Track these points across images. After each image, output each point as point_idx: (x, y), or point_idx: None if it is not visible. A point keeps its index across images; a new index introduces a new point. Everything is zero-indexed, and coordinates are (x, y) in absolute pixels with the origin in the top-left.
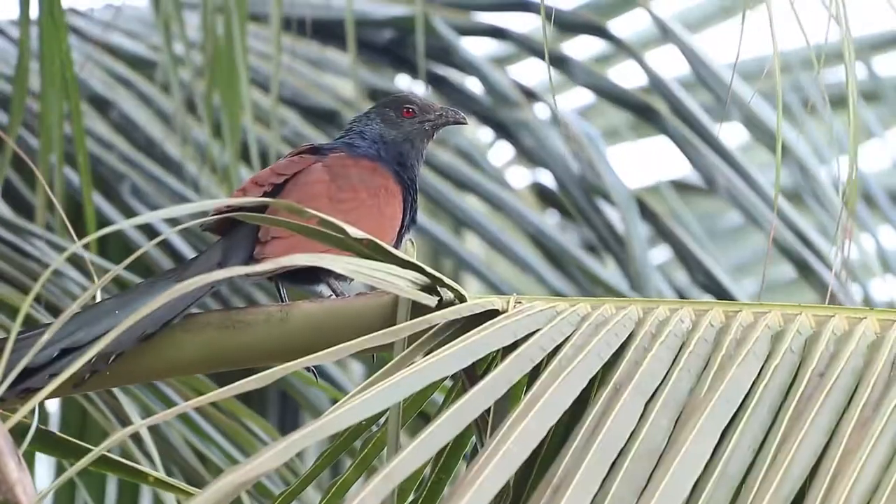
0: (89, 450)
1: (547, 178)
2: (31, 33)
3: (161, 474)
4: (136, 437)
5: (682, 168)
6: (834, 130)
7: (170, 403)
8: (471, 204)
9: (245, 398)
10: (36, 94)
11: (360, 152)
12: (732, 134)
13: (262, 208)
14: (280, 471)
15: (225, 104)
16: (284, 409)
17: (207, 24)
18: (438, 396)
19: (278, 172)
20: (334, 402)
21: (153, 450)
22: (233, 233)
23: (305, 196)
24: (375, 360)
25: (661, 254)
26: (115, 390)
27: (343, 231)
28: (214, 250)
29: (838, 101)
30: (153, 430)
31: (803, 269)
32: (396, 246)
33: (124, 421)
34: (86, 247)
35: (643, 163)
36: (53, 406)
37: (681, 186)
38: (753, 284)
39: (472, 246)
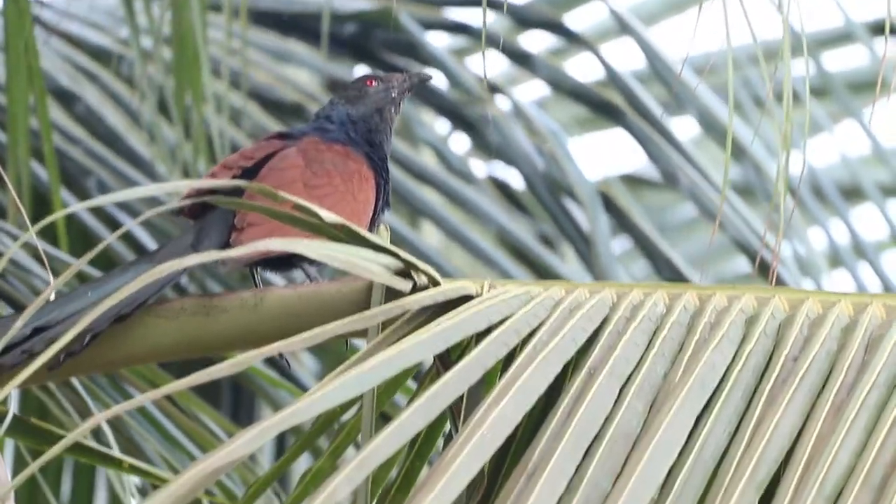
0: (57, 438)
1: (506, 171)
2: None
3: (135, 461)
4: (97, 436)
5: (628, 163)
6: (780, 125)
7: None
8: (428, 195)
9: (198, 392)
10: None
11: (331, 136)
12: (684, 128)
13: (235, 193)
14: (240, 472)
15: (195, 100)
16: (237, 402)
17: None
18: (403, 399)
19: (247, 156)
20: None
21: (114, 445)
22: (206, 217)
23: (280, 181)
24: (348, 347)
25: (618, 245)
26: (77, 385)
27: (317, 216)
28: (187, 234)
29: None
30: (120, 433)
31: (756, 262)
32: (370, 231)
33: (84, 416)
34: (55, 244)
35: (590, 158)
36: (13, 399)
37: (628, 181)
38: (703, 279)
39: (428, 237)
